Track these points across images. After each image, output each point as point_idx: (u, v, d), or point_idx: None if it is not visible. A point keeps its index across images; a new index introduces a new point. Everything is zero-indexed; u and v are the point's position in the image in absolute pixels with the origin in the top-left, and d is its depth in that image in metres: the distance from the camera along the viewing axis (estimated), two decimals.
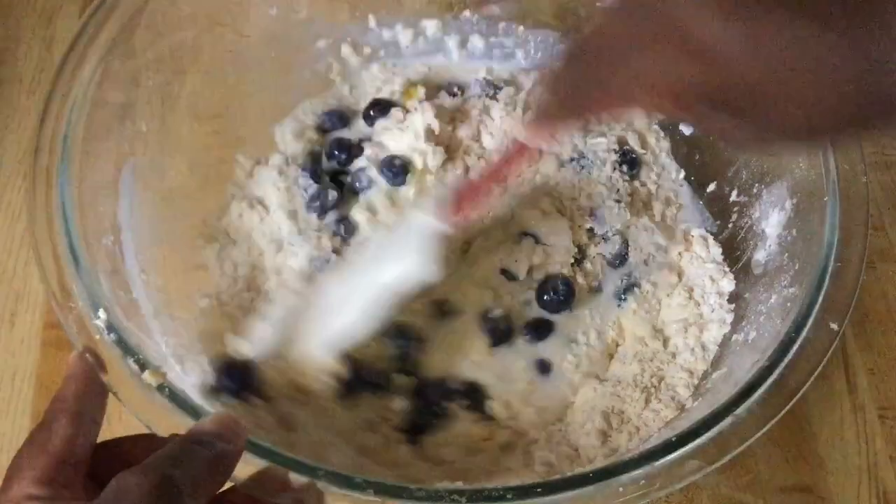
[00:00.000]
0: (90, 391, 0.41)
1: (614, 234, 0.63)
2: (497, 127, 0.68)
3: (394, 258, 0.53)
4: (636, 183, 0.67)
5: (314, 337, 0.54)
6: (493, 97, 0.69)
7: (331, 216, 0.64)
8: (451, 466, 0.53)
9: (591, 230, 0.64)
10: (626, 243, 0.63)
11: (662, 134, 0.70)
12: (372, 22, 0.71)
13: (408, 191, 0.64)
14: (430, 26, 0.72)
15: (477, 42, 0.73)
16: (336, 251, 0.62)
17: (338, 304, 0.55)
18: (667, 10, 0.34)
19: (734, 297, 0.60)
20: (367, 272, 0.55)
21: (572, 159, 0.66)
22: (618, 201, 0.64)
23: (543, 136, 0.46)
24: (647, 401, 0.56)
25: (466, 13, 0.72)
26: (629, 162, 0.67)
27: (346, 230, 0.63)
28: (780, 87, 0.33)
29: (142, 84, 0.58)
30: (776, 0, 0.32)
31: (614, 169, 0.66)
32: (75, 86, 0.52)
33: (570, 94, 0.41)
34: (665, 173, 0.69)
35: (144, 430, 0.42)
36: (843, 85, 0.32)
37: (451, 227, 0.52)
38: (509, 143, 0.52)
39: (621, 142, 0.68)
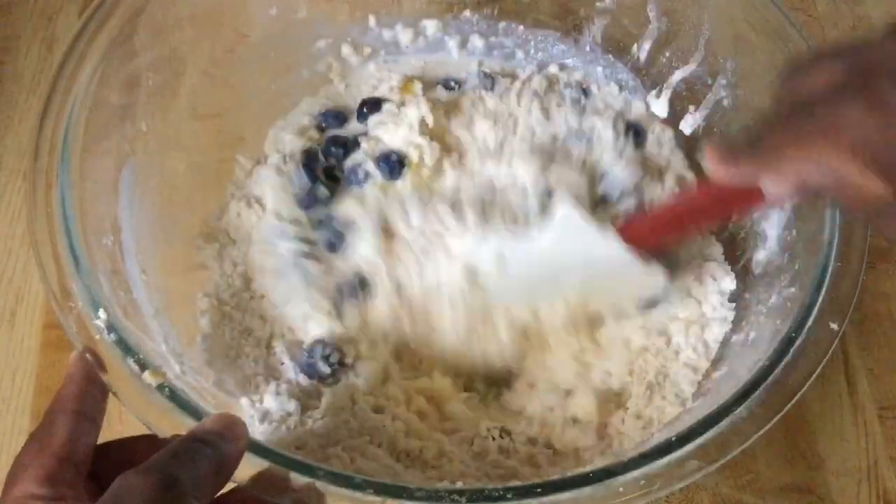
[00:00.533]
0: (90, 391, 0.41)
1: (628, 196, 0.63)
2: (491, 112, 0.67)
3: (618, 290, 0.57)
4: (644, 151, 0.67)
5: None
6: (490, 88, 0.69)
7: (324, 234, 0.63)
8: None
9: (602, 198, 0.63)
10: (641, 202, 0.63)
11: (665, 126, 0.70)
12: (372, 22, 0.71)
13: (403, 185, 0.64)
14: (430, 26, 0.72)
15: (477, 42, 0.72)
16: (315, 257, 0.61)
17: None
18: (880, 62, 0.34)
19: (735, 297, 0.59)
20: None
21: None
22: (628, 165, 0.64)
23: (728, 170, 0.43)
24: (651, 397, 0.56)
25: (467, 13, 0.72)
26: (635, 132, 0.66)
27: (335, 235, 0.62)
28: None
29: (142, 84, 0.58)
30: None
31: (617, 137, 0.65)
32: (75, 86, 0.52)
33: (764, 132, 0.40)
34: (674, 159, 0.68)
35: (145, 430, 0.42)
36: None
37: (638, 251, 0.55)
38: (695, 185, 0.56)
39: (622, 114, 0.68)
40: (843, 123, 0.36)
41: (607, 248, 0.55)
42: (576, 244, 0.56)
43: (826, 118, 0.36)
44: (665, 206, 0.56)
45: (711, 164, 0.43)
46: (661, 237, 0.56)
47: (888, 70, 0.34)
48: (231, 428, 0.39)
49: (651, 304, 0.58)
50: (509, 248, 0.57)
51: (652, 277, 0.56)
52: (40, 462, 0.37)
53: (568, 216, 0.55)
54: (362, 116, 0.68)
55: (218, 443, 0.37)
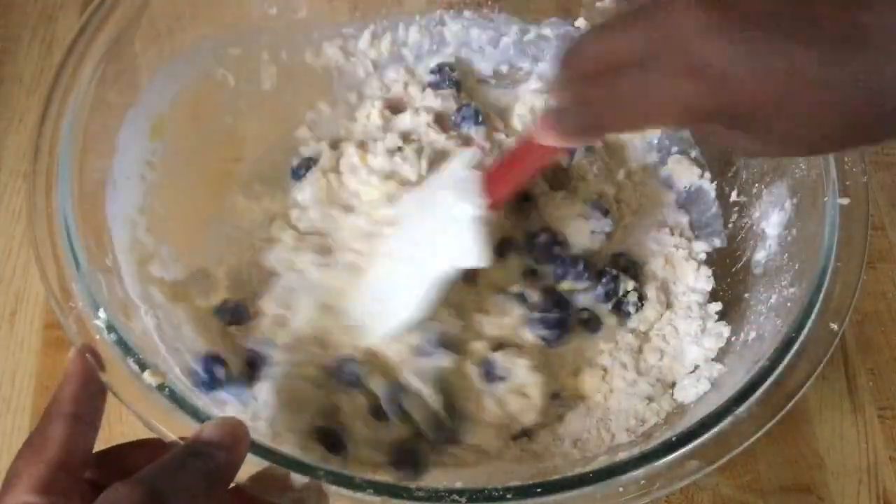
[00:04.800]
0: (88, 392, 0.41)
1: None
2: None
3: (444, 248, 0.53)
4: None
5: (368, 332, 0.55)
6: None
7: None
8: None
9: None
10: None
11: None
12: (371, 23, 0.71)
13: None
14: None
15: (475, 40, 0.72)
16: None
17: (387, 296, 0.55)
18: (670, 29, 0.36)
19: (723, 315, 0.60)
20: (414, 262, 0.55)
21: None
22: None
23: (554, 139, 0.43)
24: (652, 398, 0.56)
25: (467, 13, 0.71)
26: None
27: None
28: (782, 107, 0.35)
29: (142, 84, 0.58)
30: (775, 25, 0.34)
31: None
32: (75, 86, 0.52)
33: (578, 108, 0.41)
34: None
35: (146, 431, 0.42)
36: (841, 106, 0.34)
37: (486, 211, 0.52)
38: (525, 137, 0.52)
39: None
40: (661, 95, 0.37)
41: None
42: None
43: (640, 89, 0.37)
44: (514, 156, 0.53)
45: (542, 132, 0.43)
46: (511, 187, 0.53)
47: (692, 31, 0.35)
48: (231, 434, 0.38)
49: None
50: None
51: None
52: (34, 469, 0.36)
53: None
54: None
55: (213, 453, 0.37)
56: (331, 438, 0.51)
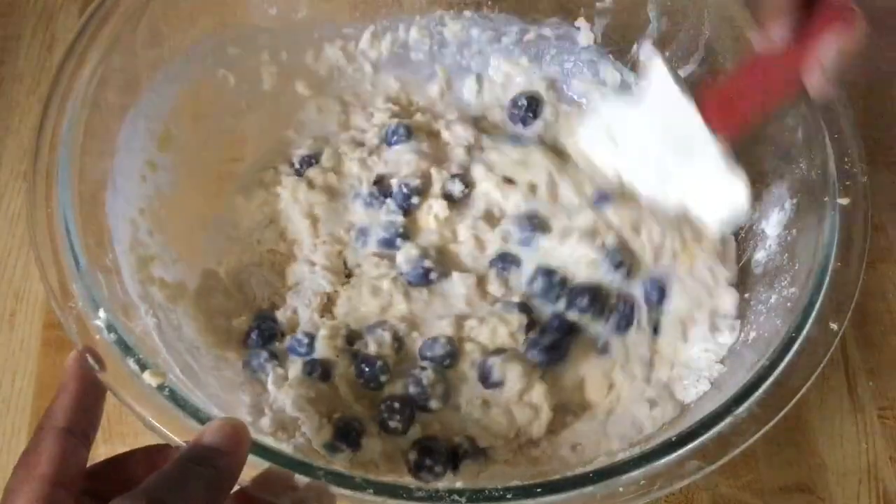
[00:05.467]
0: (82, 404, 0.40)
1: None
2: None
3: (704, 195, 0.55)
4: None
5: None
6: None
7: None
8: None
9: None
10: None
11: None
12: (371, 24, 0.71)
13: None
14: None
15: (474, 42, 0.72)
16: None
17: None
18: None
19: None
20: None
21: None
22: None
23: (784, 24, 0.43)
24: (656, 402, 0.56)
25: (467, 13, 0.72)
26: None
27: None
28: None
29: (142, 84, 0.58)
30: None
31: None
32: (75, 86, 0.52)
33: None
34: None
35: (144, 430, 0.42)
36: None
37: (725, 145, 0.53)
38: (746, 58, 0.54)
39: None
40: None
41: (689, 122, 0.52)
42: (664, 108, 0.54)
43: None
44: (733, 78, 0.54)
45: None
46: (738, 115, 0.52)
47: None
48: (232, 437, 0.38)
49: (729, 223, 0.56)
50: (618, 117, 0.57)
51: (732, 185, 0.53)
52: (29, 487, 0.36)
53: (660, 72, 0.54)
54: None
55: (214, 459, 0.36)
56: (348, 431, 0.52)
